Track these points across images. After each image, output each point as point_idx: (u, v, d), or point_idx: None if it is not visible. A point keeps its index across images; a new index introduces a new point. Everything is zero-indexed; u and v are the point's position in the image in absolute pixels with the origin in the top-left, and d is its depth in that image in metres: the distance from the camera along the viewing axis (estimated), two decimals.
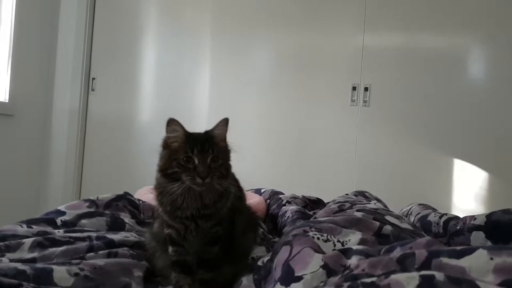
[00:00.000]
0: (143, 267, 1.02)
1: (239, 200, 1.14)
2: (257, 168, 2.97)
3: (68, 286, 0.86)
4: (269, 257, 0.93)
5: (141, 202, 1.54)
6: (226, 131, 1.01)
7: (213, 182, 0.92)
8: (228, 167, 0.99)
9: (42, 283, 0.83)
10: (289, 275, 0.73)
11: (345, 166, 2.91)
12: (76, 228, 1.24)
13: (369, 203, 1.55)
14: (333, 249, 0.81)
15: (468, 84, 2.76)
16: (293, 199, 1.89)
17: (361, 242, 0.85)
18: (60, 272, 0.88)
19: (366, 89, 2.92)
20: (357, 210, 1.16)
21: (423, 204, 1.55)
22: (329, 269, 0.72)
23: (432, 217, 1.33)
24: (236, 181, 1.17)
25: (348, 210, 1.21)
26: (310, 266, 0.73)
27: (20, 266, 0.86)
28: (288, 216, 1.60)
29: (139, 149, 3.19)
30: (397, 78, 2.88)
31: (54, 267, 0.88)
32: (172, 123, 0.96)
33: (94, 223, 1.29)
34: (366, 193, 1.78)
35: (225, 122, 1.01)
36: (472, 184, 2.73)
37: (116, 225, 1.31)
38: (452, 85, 2.77)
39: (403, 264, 0.63)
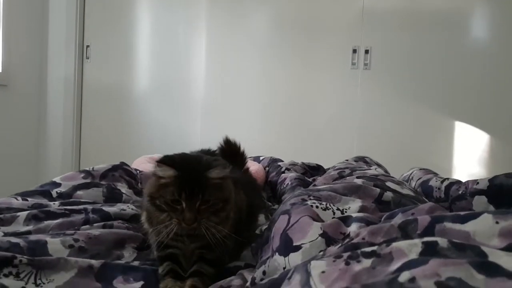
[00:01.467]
0: (138, 239, 1.01)
1: (241, 206, 1.02)
2: (255, 135, 2.94)
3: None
4: (266, 226, 0.91)
5: (138, 171, 1.52)
6: (223, 174, 0.89)
7: (201, 227, 0.84)
8: (224, 204, 0.88)
9: (37, 256, 0.82)
10: (287, 245, 0.72)
11: (345, 131, 2.88)
12: (72, 200, 1.22)
13: (370, 169, 1.53)
14: (333, 217, 0.79)
15: (470, 45, 2.70)
16: (292, 166, 1.87)
17: (361, 209, 0.83)
18: (54, 244, 0.87)
19: (366, 51, 2.86)
20: (357, 177, 1.14)
21: (424, 169, 1.52)
22: (328, 238, 0.71)
23: (434, 182, 1.30)
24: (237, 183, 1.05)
25: (348, 177, 1.19)
26: (308, 235, 0.71)
27: (13, 239, 0.84)
28: (287, 184, 1.58)
29: (136, 117, 3.16)
30: (399, 40, 2.81)
31: (48, 239, 0.87)
32: (162, 164, 0.87)
33: (90, 194, 1.27)
34: (367, 158, 1.76)
35: (223, 167, 0.89)
36: (474, 146, 2.70)
37: (113, 196, 1.29)
38: (454, 47, 2.71)
39: (405, 231, 0.61)
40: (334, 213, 0.80)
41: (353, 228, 0.72)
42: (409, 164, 2.52)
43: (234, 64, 3.06)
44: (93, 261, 0.82)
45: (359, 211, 0.81)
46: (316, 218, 0.77)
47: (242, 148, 1.38)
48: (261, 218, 1.30)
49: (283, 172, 1.73)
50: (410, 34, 2.77)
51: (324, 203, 0.83)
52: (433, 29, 2.73)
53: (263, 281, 0.64)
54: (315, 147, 2.89)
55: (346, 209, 0.82)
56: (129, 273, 0.83)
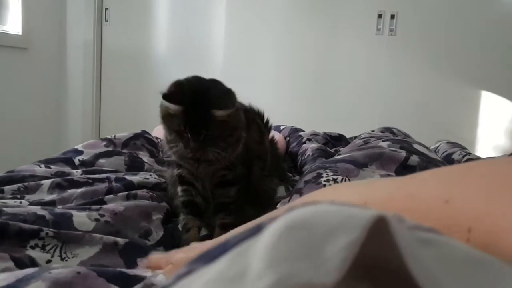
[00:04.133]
0: (162, 209, 1.01)
1: (259, 145, 1.10)
2: (275, 103, 2.89)
3: (89, 230, 0.85)
4: (286, 201, 0.89)
5: (159, 140, 1.51)
6: (230, 113, 0.89)
7: (207, 154, 0.90)
8: (232, 131, 0.92)
9: (62, 229, 0.82)
10: None
11: (368, 100, 2.82)
12: (94, 168, 1.22)
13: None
14: None
15: (501, 11, 2.58)
16: (313, 136, 1.84)
17: None
18: (80, 217, 0.86)
19: (392, 16, 2.76)
20: (383, 140, 1.08)
21: (452, 142, 1.48)
22: None
23: (456, 156, 1.27)
24: (257, 125, 1.12)
25: (373, 142, 1.14)
26: None
27: (39, 211, 0.84)
28: (308, 155, 1.57)
29: (155, 81, 3.13)
30: (426, 4, 2.70)
31: (73, 212, 0.87)
32: (168, 101, 0.88)
33: (112, 163, 1.27)
34: (394, 129, 1.70)
35: (229, 109, 0.88)
36: (500, 118, 2.63)
37: (135, 165, 1.29)
38: (484, 13, 2.59)
39: None
40: None
41: None
42: (433, 135, 2.48)
43: (254, 30, 2.99)
44: (118, 239, 0.82)
45: None
46: None
47: (266, 117, 1.36)
48: (281, 189, 1.29)
49: (304, 143, 1.71)
50: None
51: (339, 178, 0.80)
52: None
53: None
54: (336, 116, 2.85)
55: None
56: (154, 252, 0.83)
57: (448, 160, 1.20)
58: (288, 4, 2.94)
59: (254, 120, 1.13)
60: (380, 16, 2.78)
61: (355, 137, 2.02)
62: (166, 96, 0.89)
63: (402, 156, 0.88)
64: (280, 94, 2.97)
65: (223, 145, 0.91)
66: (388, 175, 0.82)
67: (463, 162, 1.20)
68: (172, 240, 0.99)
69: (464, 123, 2.71)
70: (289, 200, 0.85)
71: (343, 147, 1.85)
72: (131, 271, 0.66)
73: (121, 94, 3.27)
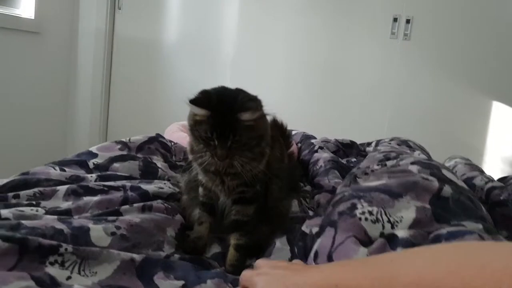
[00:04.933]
0: (177, 224, 1.02)
1: (280, 163, 1.09)
2: (285, 101, 2.88)
3: (105, 246, 0.85)
4: (317, 229, 0.88)
5: (172, 144, 1.51)
6: (257, 115, 0.90)
7: (234, 163, 0.91)
8: (258, 140, 0.93)
9: (80, 244, 0.82)
10: None
11: (378, 103, 2.80)
12: (109, 172, 1.22)
13: (414, 154, 1.49)
14: (381, 232, 0.77)
15: None
16: (325, 144, 1.84)
17: (414, 222, 0.78)
18: (97, 231, 0.86)
19: (408, 21, 2.72)
20: (412, 163, 1.06)
21: (469, 164, 1.46)
22: None
23: (478, 181, 1.26)
24: (280, 143, 1.12)
25: (401, 163, 1.12)
26: None
27: (57, 224, 0.84)
28: (321, 166, 1.56)
29: (166, 71, 3.12)
30: (443, 10, 2.66)
31: (90, 225, 0.87)
32: (194, 105, 0.89)
33: (127, 167, 1.27)
34: (410, 142, 1.69)
35: (256, 109, 0.90)
36: (510, 129, 2.61)
37: (149, 170, 1.29)
38: (501, 21, 2.56)
39: None
40: (383, 227, 0.77)
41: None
42: (442, 144, 2.47)
43: (267, 26, 2.96)
44: (134, 255, 0.82)
45: (411, 225, 0.78)
46: (363, 238, 0.74)
47: (288, 131, 1.37)
48: (294, 204, 1.29)
49: (316, 151, 1.70)
50: (456, 4, 2.61)
51: (375, 210, 0.79)
52: (481, 0, 2.57)
53: None
54: (345, 118, 2.83)
55: (397, 222, 0.78)
56: (170, 270, 0.83)
57: (469, 184, 1.19)
58: (303, 2, 2.90)
59: (278, 138, 1.12)
60: (395, 20, 2.75)
61: (367, 144, 2.02)
62: (193, 101, 0.89)
63: (436, 187, 0.88)
64: (290, 92, 2.95)
65: (249, 156, 0.92)
66: (423, 207, 0.81)
67: (486, 190, 1.19)
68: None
69: (473, 131, 2.69)
70: (320, 231, 0.83)
71: (355, 157, 1.85)
72: None
73: (131, 82, 3.25)
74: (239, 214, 1.00)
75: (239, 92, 0.95)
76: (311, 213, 1.27)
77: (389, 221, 0.78)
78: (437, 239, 0.71)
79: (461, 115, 2.69)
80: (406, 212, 0.80)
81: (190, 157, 1.00)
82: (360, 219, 0.78)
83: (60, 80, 3.10)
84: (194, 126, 0.91)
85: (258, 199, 1.01)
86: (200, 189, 1.05)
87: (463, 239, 0.68)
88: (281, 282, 0.57)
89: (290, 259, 0.94)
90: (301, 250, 0.92)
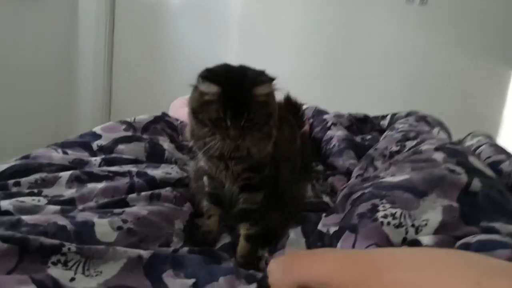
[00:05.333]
0: (185, 215, 0.97)
1: (290, 145, 1.04)
2: (296, 73, 2.78)
3: (111, 242, 0.80)
4: (335, 229, 0.82)
5: (179, 122, 1.44)
6: (270, 89, 0.86)
7: (245, 142, 0.85)
8: (268, 118, 0.87)
9: (84, 241, 0.77)
10: None
11: (393, 73, 2.69)
12: (114, 155, 1.16)
13: (432, 133, 1.41)
14: (403, 238, 0.71)
15: None
16: (337, 119, 1.76)
17: (440, 226, 0.72)
18: (102, 226, 0.82)
19: None
20: (436, 149, 0.99)
21: (494, 145, 1.37)
22: None
23: (506, 167, 1.17)
24: (289, 123, 1.05)
25: (423, 148, 1.04)
26: None
27: (59, 220, 0.80)
28: (334, 145, 1.50)
29: (172, 36, 2.99)
30: None
31: (95, 220, 0.82)
32: (206, 80, 0.82)
33: (132, 149, 1.21)
34: (428, 118, 1.60)
35: (269, 82, 0.85)
36: None
37: (155, 152, 1.23)
38: None
39: None
40: (407, 232, 0.71)
41: None
42: (458, 114, 2.38)
43: None
44: (142, 252, 0.77)
45: (437, 229, 0.72)
46: (385, 245, 0.68)
47: (302, 110, 1.30)
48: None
49: (329, 128, 1.63)
50: None
51: (398, 212, 0.73)
52: None
53: None
54: (358, 89, 2.73)
55: (421, 226, 0.72)
56: (179, 266, 0.78)
57: (495, 169, 1.10)
58: None
59: (287, 119, 1.06)
60: None
61: (382, 117, 1.94)
62: (204, 76, 0.82)
63: (464, 181, 0.81)
64: (301, 62, 2.84)
65: (258, 136, 0.86)
66: (451, 206, 0.76)
67: None
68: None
69: (491, 102, 2.59)
70: (339, 233, 0.78)
71: (369, 132, 1.78)
72: None
73: (134, 48, 3.13)
74: (247, 202, 0.95)
75: (245, 67, 0.89)
76: (325, 197, 1.22)
77: (413, 225, 0.72)
78: (468, 246, 0.65)
79: (478, 86, 2.58)
80: (432, 213, 0.74)
81: (191, 143, 0.94)
82: (382, 223, 0.72)
83: (61, 46, 3.00)
84: (201, 108, 0.84)
85: (266, 185, 0.95)
86: (205, 179, 1.00)
87: (494, 254, 0.62)
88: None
89: None
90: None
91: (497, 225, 0.72)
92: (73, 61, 3.08)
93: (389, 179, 0.85)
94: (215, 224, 0.99)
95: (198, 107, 0.85)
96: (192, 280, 0.76)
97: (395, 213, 0.73)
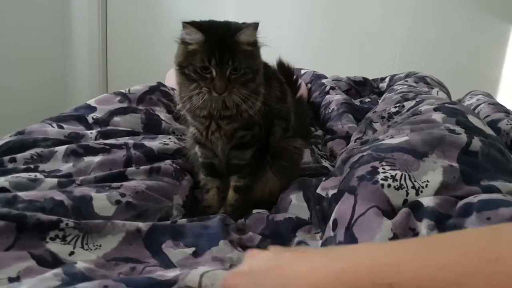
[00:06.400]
0: (185, 190, 0.97)
1: (281, 102, 1.03)
2: (293, 37, 2.71)
3: (109, 215, 0.80)
4: (334, 191, 0.82)
5: (175, 91, 1.42)
6: (254, 37, 0.86)
7: (232, 94, 0.85)
8: (254, 74, 0.88)
9: (82, 215, 0.77)
10: None
11: (389, 34, 2.63)
12: (109, 128, 1.15)
13: (431, 93, 1.39)
14: (404, 200, 0.70)
15: None
16: (336, 83, 1.74)
17: (442, 187, 0.71)
18: (100, 200, 0.81)
19: None
20: (435, 109, 0.98)
21: (493, 103, 1.36)
22: None
23: (504, 125, 1.17)
24: (278, 81, 1.04)
25: (422, 108, 1.03)
26: (377, 238, 0.63)
27: (56, 195, 0.79)
28: (333, 109, 1.48)
29: (166, 4, 2.93)
30: None
31: (93, 194, 0.82)
32: (188, 27, 0.83)
33: (128, 121, 1.19)
34: (427, 78, 1.58)
35: (253, 28, 0.85)
36: None
37: (152, 123, 1.22)
38: None
39: None
40: (407, 194, 0.70)
41: (423, 227, 0.63)
42: (457, 73, 2.34)
43: None
44: (140, 224, 0.77)
45: (437, 190, 0.71)
46: (386, 208, 0.67)
47: (295, 75, 1.30)
48: (306, 153, 1.22)
49: (328, 92, 1.61)
50: None
51: (398, 174, 0.72)
52: None
53: None
54: (357, 52, 2.67)
55: (422, 187, 0.71)
56: (179, 236, 0.78)
57: (494, 128, 1.09)
58: None
59: (275, 75, 1.05)
60: None
61: (381, 79, 1.91)
62: (187, 22, 0.83)
63: (464, 141, 0.80)
64: (297, 26, 2.77)
65: (245, 92, 0.87)
66: (451, 167, 0.74)
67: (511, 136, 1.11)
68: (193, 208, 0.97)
69: (490, 60, 2.54)
70: (338, 195, 0.77)
71: (368, 95, 1.76)
72: (159, 275, 0.61)
73: (128, 17, 3.05)
74: (236, 158, 0.98)
75: (229, 21, 0.90)
76: (324, 162, 1.21)
77: (413, 186, 0.71)
78: (467, 211, 0.64)
79: (477, 43, 2.52)
80: (433, 174, 0.73)
81: (179, 105, 0.95)
82: (382, 186, 0.71)
83: (54, 19, 2.93)
84: (186, 60, 0.85)
85: (256, 143, 0.97)
86: (197, 148, 1.01)
87: (497, 213, 0.61)
88: (276, 268, 0.44)
89: (309, 219, 0.90)
90: (319, 214, 0.87)
91: (498, 183, 0.72)
92: (67, 33, 3.02)
93: (388, 141, 0.84)
94: (214, 197, 1.00)
95: (184, 60, 0.86)
96: (192, 249, 0.76)
97: (395, 175, 0.72)
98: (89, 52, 3.04)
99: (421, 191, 0.71)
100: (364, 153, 0.81)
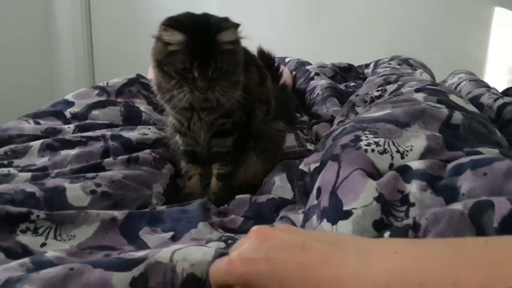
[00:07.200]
0: (165, 179, 0.94)
1: (260, 87, 1.02)
2: (277, 26, 2.69)
3: (84, 206, 0.78)
4: (316, 165, 0.80)
5: (151, 81, 1.40)
6: (236, 36, 0.85)
7: (214, 93, 0.84)
8: (235, 68, 0.87)
9: (55, 206, 0.75)
10: (337, 209, 0.62)
11: (375, 20, 2.61)
12: (88, 122, 1.12)
13: (415, 74, 1.38)
14: (390, 164, 0.68)
15: None
16: (321, 69, 1.72)
17: (426, 151, 0.70)
18: (74, 191, 0.79)
19: None
20: (416, 90, 0.96)
21: (474, 80, 1.35)
22: (384, 202, 0.60)
23: (486, 99, 1.16)
24: (257, 67, 1.02)
25: (404, 90, 1.03)
26: (361, 197, 0.61)
27: (28, 187, 0.76)
28: (318, 94, 1.46)
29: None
30: None
31: (66, 184, 0.79)
32: (169, 28, 0.80)
33: (107, 114, 1.17)
34: (411, 60, 1.57)
35: (234, 28, 0.83)
36: None
37: (132, 115, 1.19)
38: None
39: (478, 223, 0.50)
40: (392, 158, 0.68)
41: (413, 187, 0.61)
42: (443, 56, 2.33)
43: None
44: (116, 213, 0.75)
45: (423, 154, 0.69)
46: (371, 171, 0.65)
47: (276, 63, 1.28)
48: (291, 138, 1.20)
49: (312, 79, 1.59)
50: None
51: (381, 141, 0.70)
52: None
53: None
54: (343, 39, 2.65)
55: (407, 151, 0.69)
56: (156, 222, 0.76)
57: (475, 104, 1.08)
58: None
59: (253, 61, 1.03)
60: None
61: (366, 65, 1.89)
62: (168, 23, 0.80)
63: (445, 114, 0.79)
64: (281, 14, 2.74)
65: (226, 86, 0.85)
66: (434, 135, 0.73)
67: (496, 107, 1.10)
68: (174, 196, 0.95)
69: (475, 42, 2.53)
70: (320, 167, 0.75)
71: (353, 81, 1.74)
72: (129, 254, 0.58)
73: (112, 11, 3.01)
74: (218, 146, 0.96)
75: (208, 14, 0.87)
76: (309, 146, 1.19)
77: (398, 151, 0.69)
78: (460, 170, 0.62)
79: (461, 26, 2.51)
80: (416, 140, 0.71)
81: (158, 96, 0.93)
82: (366, 150, 0.69)
83: (38, 16, 2.89)
84: (166, 59, 0.82)
85: (237, 129, 0.96)
86: (177, 137, 1.00)
87: (492, 167, 0.59)
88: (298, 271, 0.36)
89: (293, 198, 0.88)
90: (301, 189, 0.85)
91: (481, 149, 0.70)
92: (51, 30, 2.98)
93: (370, 115, 0.83)
94: (196, 184, 0.98)
95: (163, 59, 0.83)
96: (170, 233, 0.74)
97: (379, 141, 0.70)
98: (75, 48, 3.00)
99: (406, 155, 0.69)
100: (347, 125, 0.80)
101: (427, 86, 0.99)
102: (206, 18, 0.85)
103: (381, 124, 0.76)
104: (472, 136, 0.77)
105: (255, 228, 0.41)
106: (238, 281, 0.38)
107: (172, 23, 0.80)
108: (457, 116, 0.79)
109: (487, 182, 0.58)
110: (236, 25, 0.83)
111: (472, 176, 0.60)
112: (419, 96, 0.91)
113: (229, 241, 0.66)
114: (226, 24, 0.82)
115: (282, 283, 0.36)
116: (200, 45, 0.80)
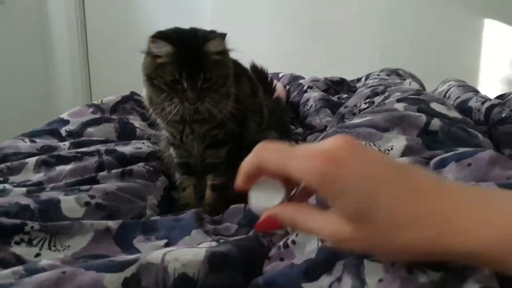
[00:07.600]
0: (159, 191, 0.95)
1: (252, 98, 1.04)
2: (270, 43, 2.74)
3: (79, 217, 0.78)
4: None
5: (143, 97, 1.42)
6: (223, 46, 0.87)
7: (204, 104, 0.86)
8: (225, 79, 0.88)
9: (49, 218, 0.75)
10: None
11: (367, 33, 2.66)
12: (83, 139, 1.13)
13: (403, 84, 1.41)
14: None
15: None
16: (314, 83, 1.74)
17: (406, 149, 0.71)
18: (68, 203, 0.79)
19: None
20: (398, 100, 1.00)
21: (462, 85, 1.38)
22: None
23: (474, 103, 1.18)
24: (248, 78, 1.04)
25: (387, 101, 1.05)
26: None
27: (22, 200, 0.77)
28: (311, 105, 1.48)
29: (144, 20, 2.94)
30: None
31: (61, 197, 0.80)
32: (157, 39, 0.82)
33: (102, 131, 1.18)
34: (400, 71, 1.61)
35: (221, 38, 0.85)
36: (505, 47, 2.50)
37: (126, 131, 1.21)
38: None
39: None
40: None
41: None
42: (435, 67, 2.36)
43: None
44: (110, 222, 0.75)
45: (403, 152, 0.70)
46: None
47: (269, 77, 1.31)
48: None
49: (306, 91, 1.61)
50: None
51: (363, 143, 0.72)
52: None
53: (297, 259, 0.53)
54: (335, 53, 2.70)
55: (388, 150, 0.71)
56: (150, 231, 0.76)
57: (464, 107, 1.11)
58: None
59: (245, 73, 1.06)
60: None
61: (357, 80, 1.92)
62: (156, 35, 0.82)
63: (423, 121, 0.81)
64: (274, 30, 2.79)
65: (216, 97, 0.87)
66: (413, 139, 0.76)
67: (484, 109, 1.11)
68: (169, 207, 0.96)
69: (467, 52, 2.58)
70: None
71: (346, 93, 1.76)
72: (122, 257, 0.59)
73: (108, 33, 3.06)
74: (212, 157, 0.97)
75: (195, 28, 0.90)
76: None
77: (379, 150, 0.71)
78: (444, 163, 0.64)
79: (453, 37, 2.56)
80: (396, 141, 0.74)
81: (150, 111, 0.95)
82: None
83: (33, 50, 2.94)
84: (155, 72, 0.84)
85: (230, 140, 0.97)
86: (171, 150, 1.01)
87: (476, 158, 0.60)
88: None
89: None
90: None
91: (460, 150, 0.71)
92: (49, 55, 3.02)
93: (351, 122, 0.85)
94: (191, 195, 0.99)
95: (152, 72, 0.85)
96: (164, 241, 0.74)
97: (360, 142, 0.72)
98: (71, 67, 3.04)
99: (388, 153, 0.70)
100: (329, 131, 0.82)
101: (409, 96, 1.02)
102: (193, 31, 0.88)
103: (361, 128, 0.79)
104: (450, 141, 0.80)
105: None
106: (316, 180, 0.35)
107: (160, 35, 0.83)
108: (436, 123, 0.82)
109: (471, 171, 0.59)
110: (223, 35, 0.85)
111: (456, 168, 0.61)
112: (400, 106, 0.94)
113: (221, 240, 0.66)
114: (213, 35, 0.84)
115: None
116: (188, 55, 0.82)
